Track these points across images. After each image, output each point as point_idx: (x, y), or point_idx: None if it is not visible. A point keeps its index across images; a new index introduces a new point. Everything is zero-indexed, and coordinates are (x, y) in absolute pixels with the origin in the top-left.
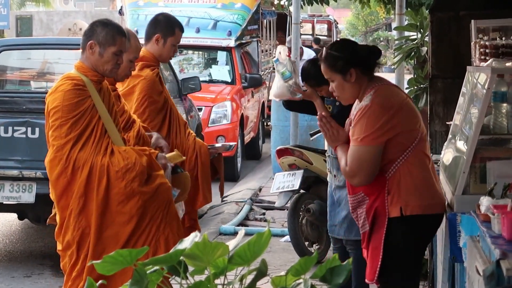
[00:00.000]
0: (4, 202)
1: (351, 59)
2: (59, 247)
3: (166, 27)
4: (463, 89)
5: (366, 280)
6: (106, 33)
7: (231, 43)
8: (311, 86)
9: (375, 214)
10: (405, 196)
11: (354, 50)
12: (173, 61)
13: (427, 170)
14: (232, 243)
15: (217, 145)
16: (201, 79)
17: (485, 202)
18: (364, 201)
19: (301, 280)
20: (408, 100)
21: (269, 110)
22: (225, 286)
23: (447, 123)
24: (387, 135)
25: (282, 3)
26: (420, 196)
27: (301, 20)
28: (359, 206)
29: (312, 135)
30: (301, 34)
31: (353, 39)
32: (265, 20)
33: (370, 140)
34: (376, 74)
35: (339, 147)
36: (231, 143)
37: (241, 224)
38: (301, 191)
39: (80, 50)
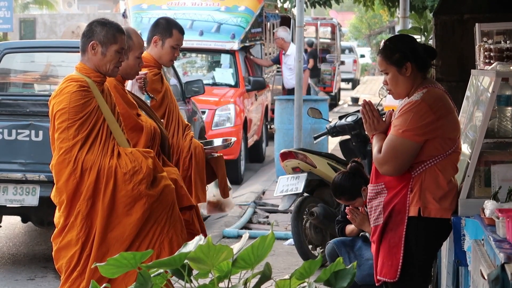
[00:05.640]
0: (8, 205)
1: (408, 53)
2: (55, 248)
3: (164, 29)
4: (467, 93)
5: (385, 279)
6: (107, 32)
7: (235, 46)
8: (345, 200)
9: (393, 210)
10: (425, 198)
11: (412, 45)
12: (176, 64)
13: (452, 181)
14: (236, 247)
15: (216, 143)
16: (204, 82)
17: (489, 205)
18: (382, 194)
19: (305, 284)
20: (455, 110)
21: (273, 113)
22: None
23: None
24: (427, 135)
25: (285, 6)
26: (440, 201)
27: (304, 23)
28: (376, 198)
29: (316, 138)
30: (304, 37)
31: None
32: (268, 23)
33: (410, 135)
34: (379, 76)
35: (375, 136)
36: (232, 139)
37: (245, 227)
38: (305, 194)
39: (80, 52)
